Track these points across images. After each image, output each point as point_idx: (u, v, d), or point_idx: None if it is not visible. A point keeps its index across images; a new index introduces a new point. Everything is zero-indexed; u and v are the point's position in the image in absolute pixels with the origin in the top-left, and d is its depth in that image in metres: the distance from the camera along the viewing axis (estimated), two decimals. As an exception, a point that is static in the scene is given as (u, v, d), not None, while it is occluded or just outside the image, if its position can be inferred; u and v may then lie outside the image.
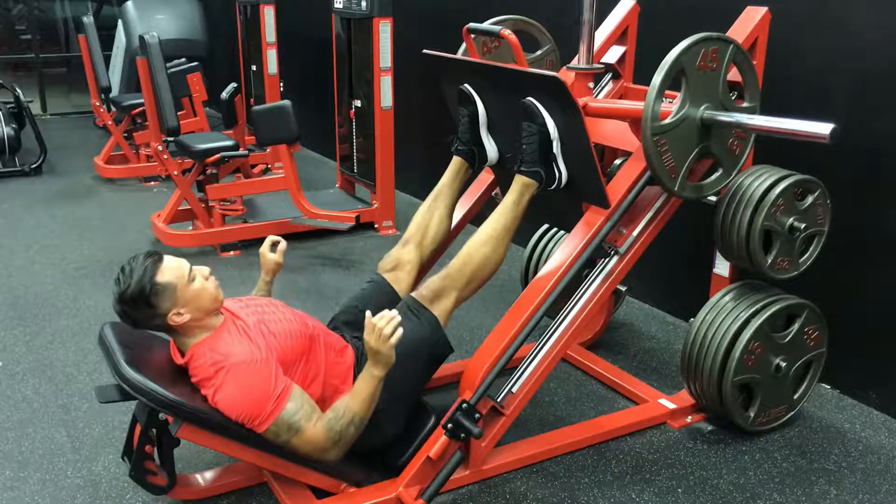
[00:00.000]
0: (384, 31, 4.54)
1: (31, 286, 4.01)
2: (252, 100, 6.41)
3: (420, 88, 5.02)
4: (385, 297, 2.58)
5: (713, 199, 2.64)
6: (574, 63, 2.78)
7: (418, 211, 2.78)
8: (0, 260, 4.39)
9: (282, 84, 6.17)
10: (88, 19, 6.28)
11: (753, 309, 2.57)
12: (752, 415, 2.65)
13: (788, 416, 2.75)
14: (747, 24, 2.62)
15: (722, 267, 2.84)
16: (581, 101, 2.65)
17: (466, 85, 2.64)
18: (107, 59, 7.17)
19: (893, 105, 2.73)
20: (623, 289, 3.35)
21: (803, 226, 2.55)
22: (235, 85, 5.21)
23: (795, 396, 2.74)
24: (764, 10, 2.61)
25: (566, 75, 2.86)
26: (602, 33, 3.02)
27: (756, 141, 2.73)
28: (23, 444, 2.66)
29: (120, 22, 7.80)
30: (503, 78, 2.54)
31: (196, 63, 5.67)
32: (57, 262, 4.35)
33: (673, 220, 2.61)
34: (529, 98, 2.44)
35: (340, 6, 4.83)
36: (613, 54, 3.05)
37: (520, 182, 2.50)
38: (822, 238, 2.65)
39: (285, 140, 4.38)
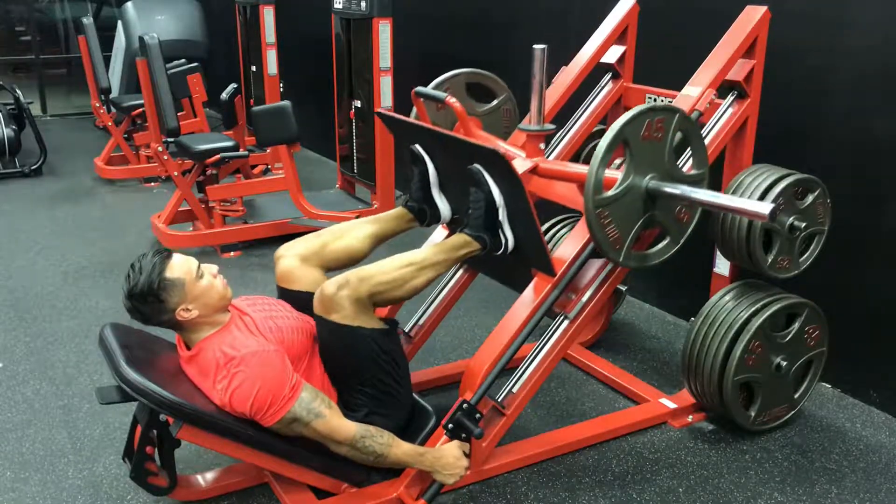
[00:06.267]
0: (384, 32, 4.54)
1: (31, 287, 4.02)
2: (252, 100, 6.41)
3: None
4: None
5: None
6: (525, 124, 2.69)
7: (348, 221, 2.66)
8: (0, 261, 4.39)
9: (282, 84, 6.17)
10: (88, 20, 6.28)
11: (754, 308, 2.57)
12: (752, 414, 2.65)
13: (789, 415, 2.75)
14: (746, 24, 2.62)
15: (722, 266, 2.84)
16: (531, 163, 2.60)
17: (417, 145, 2.58)
18: (107, 60, 7.17)
19: (893, 105, 2.73)
20: (623, 289, 3.35)
21: (803, 225, 2.55)
22: (235, 85, 5.21)
23: (796, 395, 2.74)
24: (763, 9, 2.61)
25: (518, 136, 2.82)
26: (602, 33, 3.02)
27: (756, 140, 2.74)
28: (23, 446, 2.66)
29: (120, 23, 7.80)
30: (450, 143, 2.49)
31: (196, 64, 5.67)
32: (57, 264, 4.35)
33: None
34: (476, 165, 2.36)
35: (340, 6, 4.83)
36: (613, 54, 3.05)
37: (465, 236, 2.42)
38: (823, 237, 2.65)
39: (285, 140, 4.38)
